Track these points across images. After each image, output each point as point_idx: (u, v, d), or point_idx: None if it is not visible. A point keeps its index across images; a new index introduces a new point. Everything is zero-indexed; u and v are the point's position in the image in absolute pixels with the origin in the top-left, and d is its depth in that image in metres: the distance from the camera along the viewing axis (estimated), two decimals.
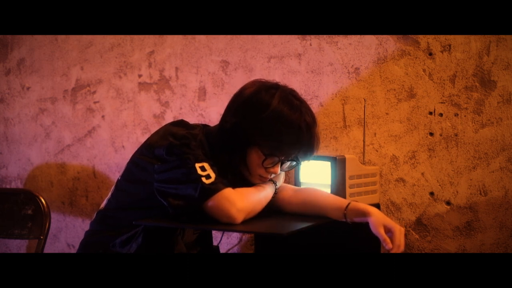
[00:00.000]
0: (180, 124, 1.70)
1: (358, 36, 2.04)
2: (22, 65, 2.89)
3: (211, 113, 2.38)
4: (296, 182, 1.87)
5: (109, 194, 1.76)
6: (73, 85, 2.74)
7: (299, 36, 2.16)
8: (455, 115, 1.93)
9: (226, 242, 2.33)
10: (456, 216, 1.94)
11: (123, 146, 2.61)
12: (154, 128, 2.36)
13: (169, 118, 2.47)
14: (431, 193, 1.98)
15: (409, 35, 1.96)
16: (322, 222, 1.59)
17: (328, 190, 1.77)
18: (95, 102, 2.68)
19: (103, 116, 2.66)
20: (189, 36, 2.41)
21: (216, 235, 1.96)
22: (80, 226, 2.72)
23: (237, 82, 2.29)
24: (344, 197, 1.75)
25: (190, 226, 1.63)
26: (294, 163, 1.68)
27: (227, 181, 1.58)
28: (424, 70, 1.96)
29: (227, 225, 1.53)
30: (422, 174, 1.99)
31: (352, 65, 2.07)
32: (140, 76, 2.56)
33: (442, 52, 1.93)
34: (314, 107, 2.08)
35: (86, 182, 2.71)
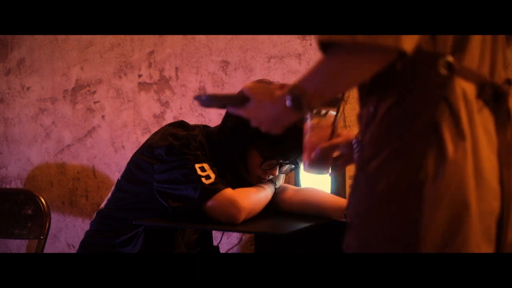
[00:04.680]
0: (180, 125, 1.70)
1: None
2: (22, 65, 2.89)
3: (211, 113, 2.38)
4: (296, 182, 1.87)
5: (109, 194, 1.76)
6: (73, 85, 2.74)
7: (299, 36, 2.16)
8: None
9: (226, 242, 2.33)
10: None
11: (123, 146, 2.61)
12: (154, 128, 2.37)
13: (169, 118, 2.47)
14: None
15: None
16: (322, 222, 1.59)
17: (328, 190, 1.77)
18: (95, 102, 2.68)
19: (103, 116, 2.66)
20: (189, 36, 2.41)
21: (216, 235, 1.96)
22: (80, 226, 2.72)
23: (237, 82, 2.29)
24: (344, 197, 1.75)
25: (190, 226, 1.63)
26: (293, 166, 1.68)
27: (226, 181, 1.58)
28: None
29: (227, 225, 1.53)
30: None
31: None
32: (140, 76, 2.56)
33: None
34: None
35: (86, 182, 2.71)
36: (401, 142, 0.93)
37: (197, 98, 1.14)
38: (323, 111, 1.43)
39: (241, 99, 1.09)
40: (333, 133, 1.41)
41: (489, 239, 0.93)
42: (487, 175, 0.92)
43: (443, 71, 0.91)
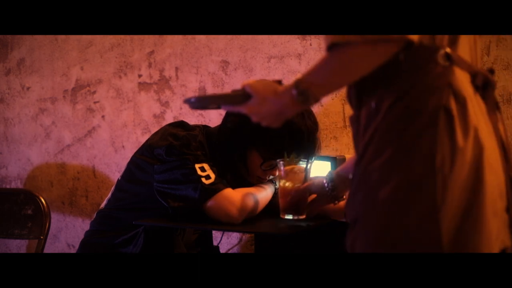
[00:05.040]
0: (180, 125, 1.70)
1: None
2: (22, 65, 2.89)
3: (211, 113, 2.38)
4: None
5: (109, 194, 1.76)
6: (73, 85, 2.74)
7: (299, 36, 2.16)
8: None
9: (226, 242, 2.33)
10: None
11: (123, 146, 2.61)
12: (154, 128, 2.37)
13: (169, 118, 2.47)
14: None
15: None
16: (322, 222, 1.59)
17: None
18: (95, 102, 2.68)
19: (103, 116, 2.66)
20: (189, 36, 2.41)
21: (216, 235, 1.96)
22: (80, 226, 2.72)
23: (237, 82, 2.29)
24: None
25: (190, 226, 1.63)
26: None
27: (226, 181, 1.58)
28: None
29: (227, 225, 1.53)
30: None
31: None
32: (140, 76, 2.56)
33: None
34: (314, 107, 2.08)
35: (86, 182, 2.71)
36: (403, 142, 0.95)
37: (187, 101, 1.14)
38: (296, 159, 1.51)
39: (242, 96, 1.10)
40: (306, 177, 1.48)
41: (495, 213, 0.98)
42: (490, 152, 0.98)
43: (443, 61, 0.97)
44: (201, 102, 1.17)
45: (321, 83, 1.01)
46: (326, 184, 1.46)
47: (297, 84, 1.02)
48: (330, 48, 0.97)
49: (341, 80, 1.02)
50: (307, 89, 1.01)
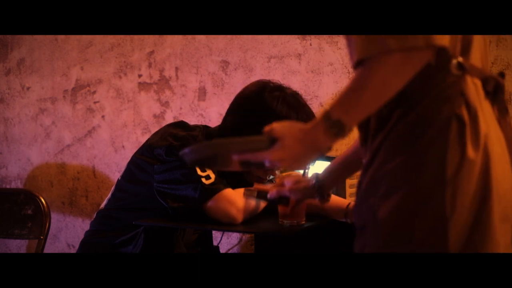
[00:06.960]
0: (180, 125, 1.70)
1: None
2: (22, 65, 2.89)
3: (211, 113, 2.38)
4: None
5: (109, 194, 1.76)
6: (73, 85, 2.74)
7: (299, 36, 2.16)
8: None
9: (226, 242, 2.33)
10: None
11: (123, 146, 2.61)
12: (154, 128, 2.37)
13: (169, 118, 2.47)
14: None
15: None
16: (322, 222, 1.59)
17: None
18: (95, 102, 2.68)
19: (103, 116, 2.66)
20: (189, 36, 2.41)
21: (216, 235, 1.96)
22: (80, 226, 2.72)
23: (237, 82, 2.29)
24: (344, 197, 1.75)
25: (190, 226, 1.63)
26: None
27: (226, 181, 1.58)
28: None
29: (227, 225, 1.53)
30: None
31: None
32: (140, 76, 2.56)
33: None
34: (314, 107, 2.08)
35: (86, 182, 2.71)
36: (413, 150, 0.95)
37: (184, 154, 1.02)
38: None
39: (268, 141, 0.99)
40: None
41: (506, 219, 0.97)
42: (498, 160, 0.97)
43: (456, 71, 0.96)
44: (203, 151, 1.03)
45: (355, 108, 0.92)
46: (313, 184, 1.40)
47: (327, 115, 0.93)
48: (358, 64, 0.91)
49: (377, 98, 0.92)
50: (340, 119, 0.92)
